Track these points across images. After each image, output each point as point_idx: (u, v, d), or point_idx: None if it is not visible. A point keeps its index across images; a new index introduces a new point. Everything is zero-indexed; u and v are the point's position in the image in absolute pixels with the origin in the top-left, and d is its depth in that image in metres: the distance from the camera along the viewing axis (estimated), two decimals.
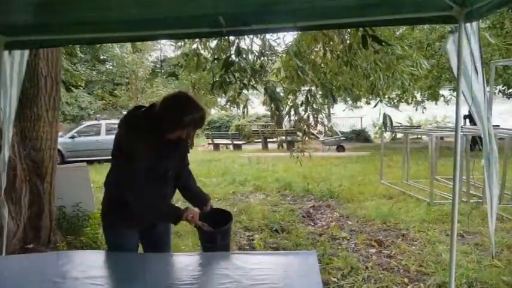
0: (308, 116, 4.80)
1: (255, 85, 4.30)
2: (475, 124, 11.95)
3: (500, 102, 16.25)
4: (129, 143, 2.11)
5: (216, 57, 4.36)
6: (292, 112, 4.77)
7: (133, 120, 2.20)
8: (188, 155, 2.50)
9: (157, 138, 2.12)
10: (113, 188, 2.26)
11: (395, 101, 15.37)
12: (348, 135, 18.85)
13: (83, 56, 23.54)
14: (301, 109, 4.77)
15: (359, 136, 19.69)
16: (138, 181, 2.07)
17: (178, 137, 2.17)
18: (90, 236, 4.45)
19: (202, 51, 4.62)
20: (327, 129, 5.61)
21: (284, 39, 4.68)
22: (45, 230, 4.10)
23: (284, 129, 16.27)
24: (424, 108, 17.17)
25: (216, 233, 2.31)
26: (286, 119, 5.14)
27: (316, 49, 5.46)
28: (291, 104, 4.85)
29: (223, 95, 4.49)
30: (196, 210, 2.31)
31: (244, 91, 4.34)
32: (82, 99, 22.26)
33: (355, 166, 10.26)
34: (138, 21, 2.47)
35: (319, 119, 4.86)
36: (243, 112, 4.72)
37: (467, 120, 14.43)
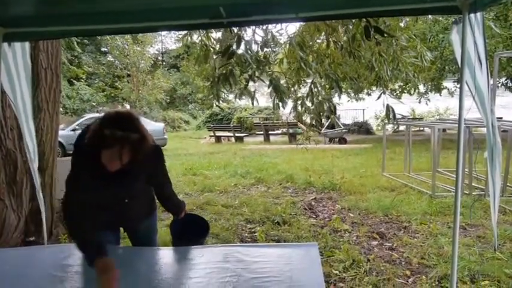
0: (316, 106, 4.77)
1: (260, 76, 4.28)
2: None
3: (500, 95, 16.16)
4: (72, 163, 1.98)
5: (218, 50, 4.33)
6: (299, 103, 4.74)
7: (81, 138, 1.90)
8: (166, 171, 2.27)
9: (98, 164, 1.82)
10: None
11: (398, 92, 15.28)
12: (350, 128, 18.79)
13: (84, 49, 23.52)
14: (306, 101, 4.74)
15: (361, 128, 19.61)
16: (72, 207, 1.94)
17: (110, 162, 1.81)
18: None
19: (206, 42, 4.58)
20: (335, 118, 5.60)
21: (287, 30, 4.64)
22: (46, 223, 4.09)
23: (286, 121, 16.23)
24: (428, 100, 17.08)
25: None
26: (290, 110, 5.09)
27: (319, 40, 5.41)
28: (296, 96, 4.83)
29: (229, 88, 4.44)
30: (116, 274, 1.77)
31: (250, 83, 4.31)
32: (84, 92, 22.22)
33: (357, 158, 10.24)
34: (138, 12, 2.43)
35: (325, 110, 4.83)
36: (253, 104, 4.71)
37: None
